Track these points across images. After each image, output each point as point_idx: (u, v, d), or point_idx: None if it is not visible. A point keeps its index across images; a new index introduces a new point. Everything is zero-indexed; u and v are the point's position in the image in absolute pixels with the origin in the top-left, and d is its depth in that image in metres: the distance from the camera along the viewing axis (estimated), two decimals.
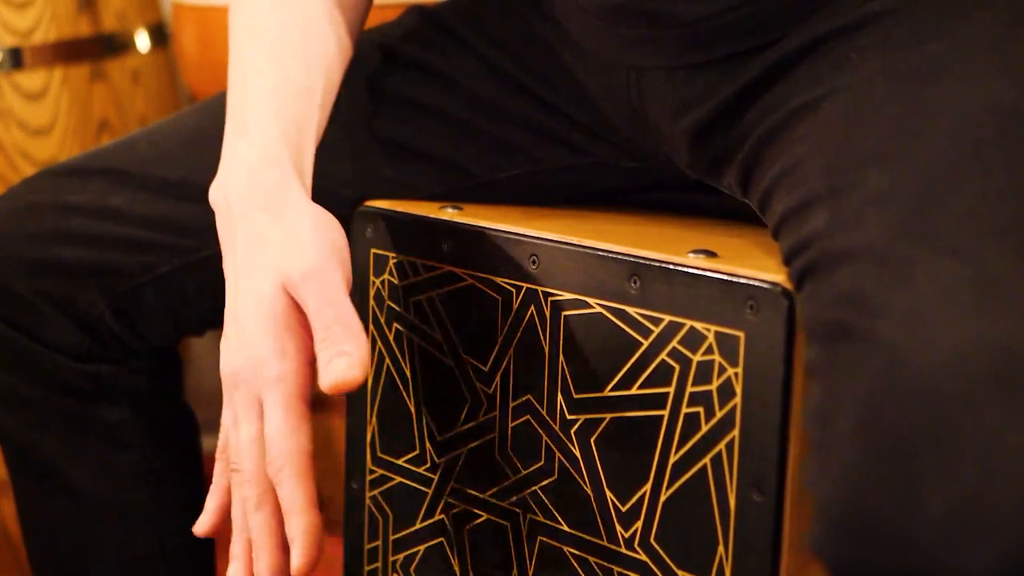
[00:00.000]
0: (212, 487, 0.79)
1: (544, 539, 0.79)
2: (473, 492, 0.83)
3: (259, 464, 0.73)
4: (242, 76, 0.82)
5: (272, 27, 0.84)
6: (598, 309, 0.74)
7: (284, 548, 0.74)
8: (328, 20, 0.85)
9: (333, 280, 0.73)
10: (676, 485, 0.71)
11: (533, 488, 0.79)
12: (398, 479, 0.87)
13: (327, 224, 0.76)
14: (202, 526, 0.79)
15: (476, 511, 0.83)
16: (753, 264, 0.69)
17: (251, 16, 0.85)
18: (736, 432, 0.68)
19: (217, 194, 0.79)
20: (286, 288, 0.73)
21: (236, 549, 0.77)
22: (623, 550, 0.74)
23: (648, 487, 0.72)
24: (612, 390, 0.74)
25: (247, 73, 0.82)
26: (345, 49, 0.86)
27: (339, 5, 0.86)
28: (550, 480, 0.78)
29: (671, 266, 0.71)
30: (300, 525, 0.71)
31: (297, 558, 0.72)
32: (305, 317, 0.73)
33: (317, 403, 0.87)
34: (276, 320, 0.73)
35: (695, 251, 0.71)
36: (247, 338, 0.74)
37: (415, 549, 0.87)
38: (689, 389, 0.70)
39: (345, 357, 0.70)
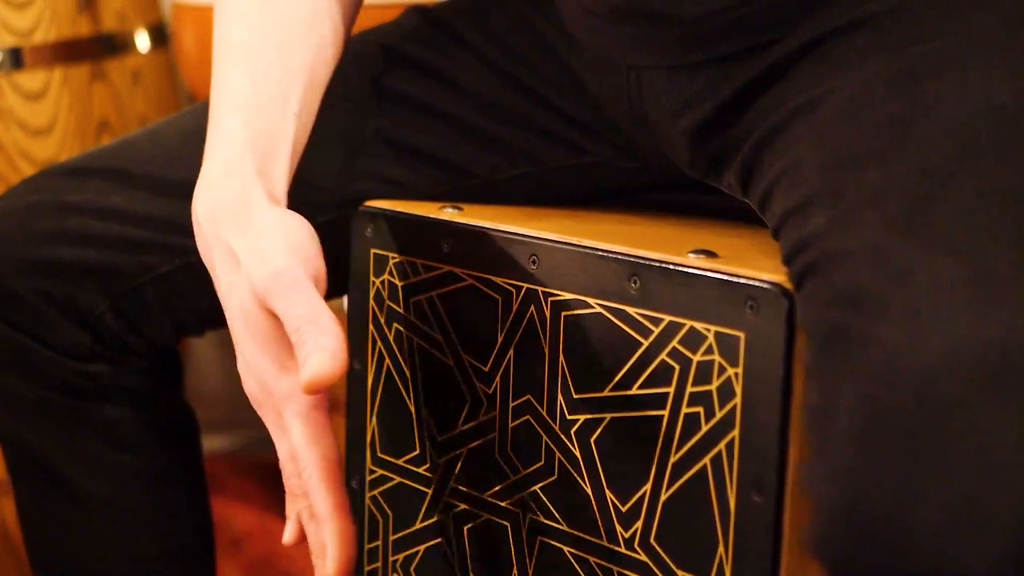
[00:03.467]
0: (288, 498, 0.81)
1: (544, 539, 0.79)
2: (473, 492, 0.83)
3: (299, 478, 0.76)
4: (216, 90, 0.82)
5: (248, 38, 0.83)
6: (598, 309, 0.74)
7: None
8: (307, 27, 0.84)
9: (296, 280, 0.72)
10: (676, 485, 0.71)
11: (533, 488, 0.79)
12: (398, 479, 0.87)
13: (289, 224, 0.75)
14: (289, 535, 0.81)
15: (476, 511, 0.83)
16: (753, 264, 0.69)
17: (229, 27, 0.84)
18: (736, 432, 0.68)
19: (194, 212, 0.79)
20: (260, 300, 0.73)
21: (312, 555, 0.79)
22: (623, 550, 0.74)
23: (648, 487, 0.72)
24: (612, 390, 0.74)
25: (220, 86, 0.82)
26: (327, 55, 0.85)
27: (320, 11, 0.85)
28: (550, 480, 0.78)
29: (671, 266, 0.71)
30: (327, 531, 0.74)
31: (329, 563, 0.74)
32: None
33: None
34: (266, 336, 0.74)
35: (695, 251, 0.71)
36: (249, 359, 0.75)
37: (415, 549, 0.87)
38: (689, 389, 0.70)
39: (318, 351, 0.69)
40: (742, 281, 0.68)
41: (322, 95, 0.85)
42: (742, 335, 0.67)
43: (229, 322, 0.76)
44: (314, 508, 0.74)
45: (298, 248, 0.74)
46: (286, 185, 0.80)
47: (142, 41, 1.54)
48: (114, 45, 1.50)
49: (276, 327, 0.73)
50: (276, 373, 0.74)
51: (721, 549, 0.69)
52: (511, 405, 0.80)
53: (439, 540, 0.85)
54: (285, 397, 0.73)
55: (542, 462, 0.78)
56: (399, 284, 0.86)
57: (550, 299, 0.77)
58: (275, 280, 0.72)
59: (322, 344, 0.69)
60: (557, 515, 0.78)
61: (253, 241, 0.74)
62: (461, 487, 0.84)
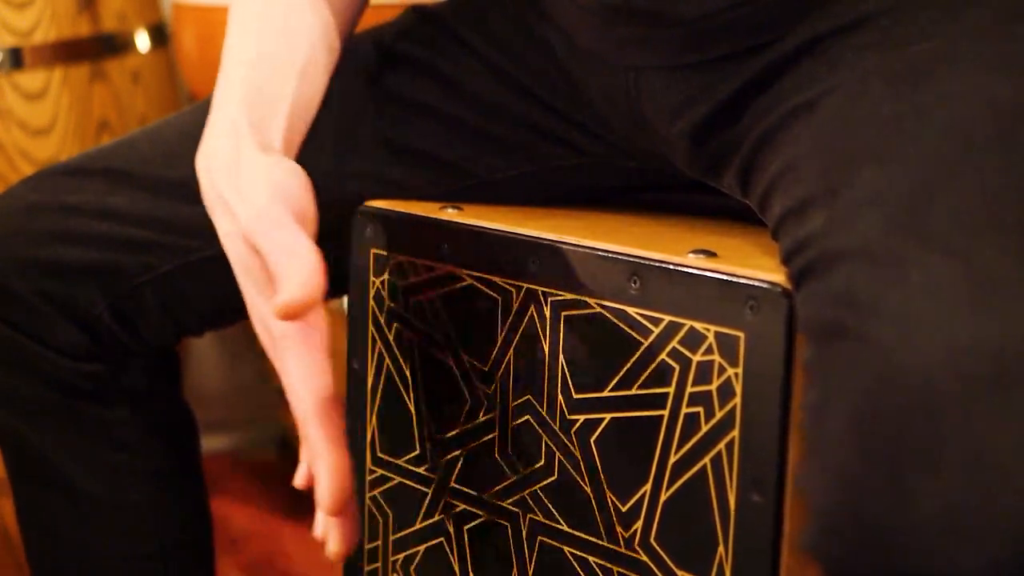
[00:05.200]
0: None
1: (544, 539, 0.79)
2: (473, 492, 0.83)
3: None
4: (224, 56, 0.83)
5: (256, 7, 0.84)
6: (598, 309, 0.74)
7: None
8: (315, 2, 0.85)
9: (277, 217, 0.73)
10: (676, 485, 0.71)
11: (533, 488, 0.79)
12: (398, 479, 0.87)
13: (275, 167, 0.76)
14: (299, 478, 0.81)
15: (476, 511, 0.83)
16: (753, 264, 0.69)
17: (242, 3, 0.85)
18: (736, 432, 0.68)
19: (196, 169, 0.80)
20: (249, 242, 0.74)
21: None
22: (623, 550, 0.74)
23: (648, 487, 0.72)
24: (612, 390, 0.74)
25: (226, 51, 0.83)
26: (331, 25, 0.86)
27: None
28: (550, 480, 0.78)
29: (671, 266, 0.71)
30: (319, 466, 0.74)
31: (319, 497, 0.74)
32: None
33: None
34: (258, 278, 0.75)
35: (695, 251, 0.71)
36: (250, 303, 0.76)
37: (415, 549, 0.87)
38: (689, 389, 0.70)
39: (288, 279, 0.70)
40: (742, 281, 0.68)
41: (332, 65, 0.85)
42: (742, 335, 0.67)
43: (234, 271, 0.77)
44: (308, 444, 0.74)
45: (280, 187, 0.75)
46: (283, 138, 0.80)
47: (142, 41, 1.54)
48: (114, 45, 1.50)
49: (266, 268, 0.74)
50: (269, 314, 0.74)
51: (721, 549, 0.69)
52: (511, 405, 0.80)
53: (439, 540, 0.85)
54: (280, 337, 0.74)
55: (542, 462, 0.78)
56: (399, 284, 0.86)
57: (550, 299, 0.77)
58: (258, 220, 0.73)
59: (292, 270, 0.70)
60: (557, 515, 0.78)
61: (241, 188, 0.75)
62: (461, 487, 0.83)
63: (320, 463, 0.74)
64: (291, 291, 0.70)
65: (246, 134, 0.78)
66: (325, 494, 0.74)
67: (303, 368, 0.74)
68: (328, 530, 0.77)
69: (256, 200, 0.74)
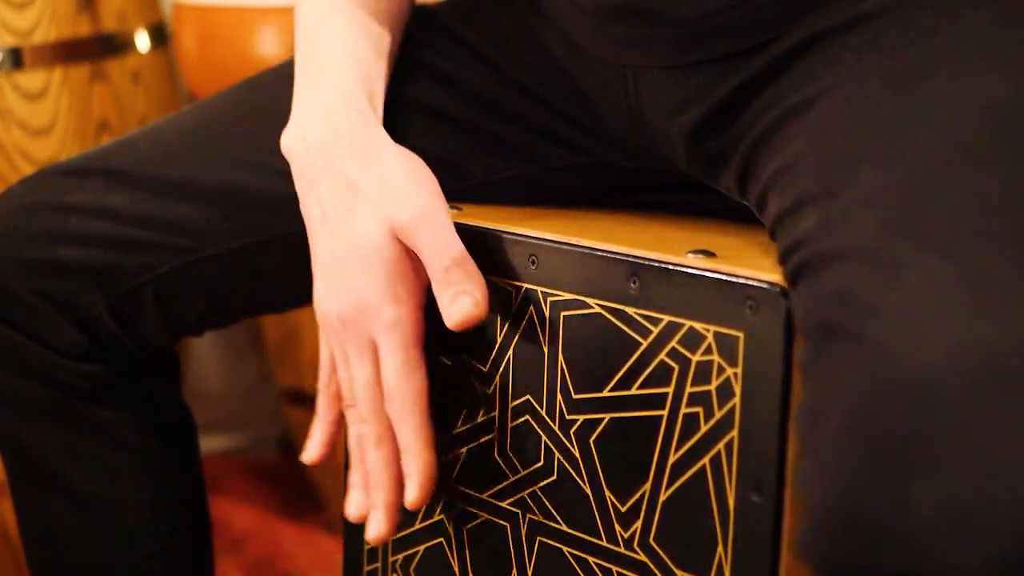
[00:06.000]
0: (317, 419, 0.83)
1: (543, 539, 0.79)
2: (473, 492, 0.83)
3: (378, 404, 0.78)
4: (311, 25, 0.85)
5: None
6: (597, 309, 0.74)
7: (399, 482, 0.79)
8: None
9: (443, 223, 0.76)
10: (675, 485, 0.71)
11: (532, 488, 0.79)
12: None
13: (421, 167, 0.79)
14: (309, 455, 0.84)
15: (475, 511, 0.83)
16: (752, 264, 0.69)
17: None
18: (735, 432, 0.68)
19: (291, 140, 0.80)
20: (396, 235, 0.76)
21: (355, 479, 0.81)
22: (622, 550, 0.74)
23: (647, 487, 0.72)
24: (611, 390, 0.74)
25: (316, 23, 0.85)
26: (405, 4, 0.89)
27: None
28: (549, 480, 0.78)
29: (670, 266, 0.71)
30: (416, 464, 0.78)
31: (413, 492, 0.78)
32: (413, 262, 0.77)
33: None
34: (387, 266, 0.76)
35: (694, 251, 0.71)
36: (354, 283, 0.77)
37: (415, 549, 0.87)
38: (688, 389, 0.70)
39: (468, 296, 0.74)
40: (741, 281, 0.68)
41: (399, 43, 0.88)
42: (741, 335, 0.67)
43: (324, 242, 0.78)
44: (403, 439, 0.77)
45: (435, 191, 0.77)
46: (380, 120, 0.83)
47: (142, 41, 1.54)
48: (114, 45, 1.50)
49: (402, 261, 0.76)
50: (383, 301, 0.76)
51: (720, 549, 0.69)
52: (511, 405, 0.80)
53: (439, 540, 0.85)
54: (389, 325, 0.76)
55: (541, 462, 0.78)
56: None
57: (549, 299, 0.77)
58: (424, 220, 0.75)
59: (468, 289, 0.75)
60: (557, 515, 0.78)
61: (384, 176, 0.77)
62: (461, 487, 0.83)
63: (413, 460, 0.77)
64: (470, 310, 0.74)
65: (371, 116, 0.80)
66: (415, 490, 0.77)
67: (406, 364, 0.76)
68: (373, 515, 0.79)
69: (415, 198, 0.76)
